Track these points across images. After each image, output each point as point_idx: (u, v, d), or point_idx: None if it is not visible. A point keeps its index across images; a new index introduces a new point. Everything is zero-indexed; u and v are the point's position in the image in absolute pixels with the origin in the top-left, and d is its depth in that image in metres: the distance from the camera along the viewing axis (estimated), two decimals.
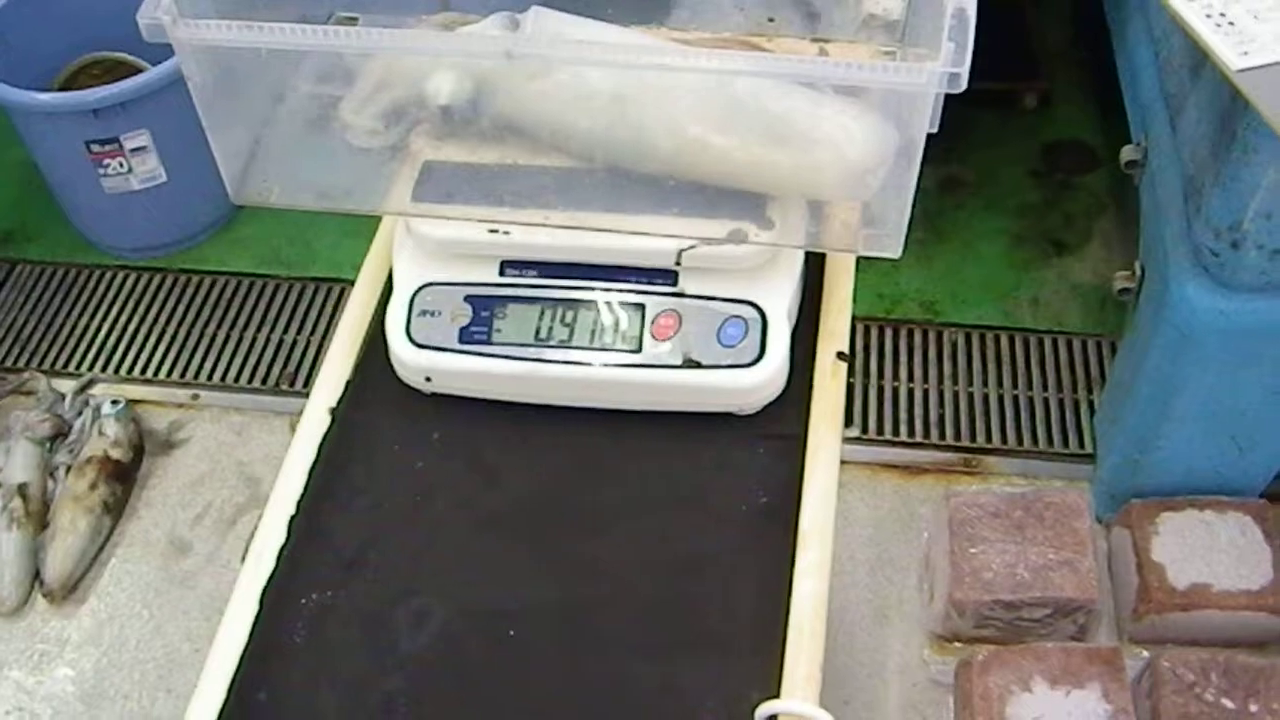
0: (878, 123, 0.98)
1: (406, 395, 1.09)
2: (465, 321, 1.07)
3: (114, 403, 2.12)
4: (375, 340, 1.11)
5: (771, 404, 1.07)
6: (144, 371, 2.28)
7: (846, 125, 0.99)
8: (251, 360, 2.28)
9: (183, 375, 2.27)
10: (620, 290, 1.07)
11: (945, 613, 1.81)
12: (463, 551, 1.01)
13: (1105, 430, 2.02)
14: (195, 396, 2.23)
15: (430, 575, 0.99)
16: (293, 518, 1.02)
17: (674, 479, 1.04)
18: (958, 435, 2.13)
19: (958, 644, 1.85)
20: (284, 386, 2.23)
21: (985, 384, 2.19)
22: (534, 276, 1.08)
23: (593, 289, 1.07)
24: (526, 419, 1.07)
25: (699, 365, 1.05)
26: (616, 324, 1.06)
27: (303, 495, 1.03)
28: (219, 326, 2.34)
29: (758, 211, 1.03)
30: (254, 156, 1.07)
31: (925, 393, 2.19)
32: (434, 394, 1.09)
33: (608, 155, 1.03)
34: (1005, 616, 1.79)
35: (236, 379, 2.25)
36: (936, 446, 2.12)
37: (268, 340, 2.31)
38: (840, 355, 1.11)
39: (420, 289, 1.09)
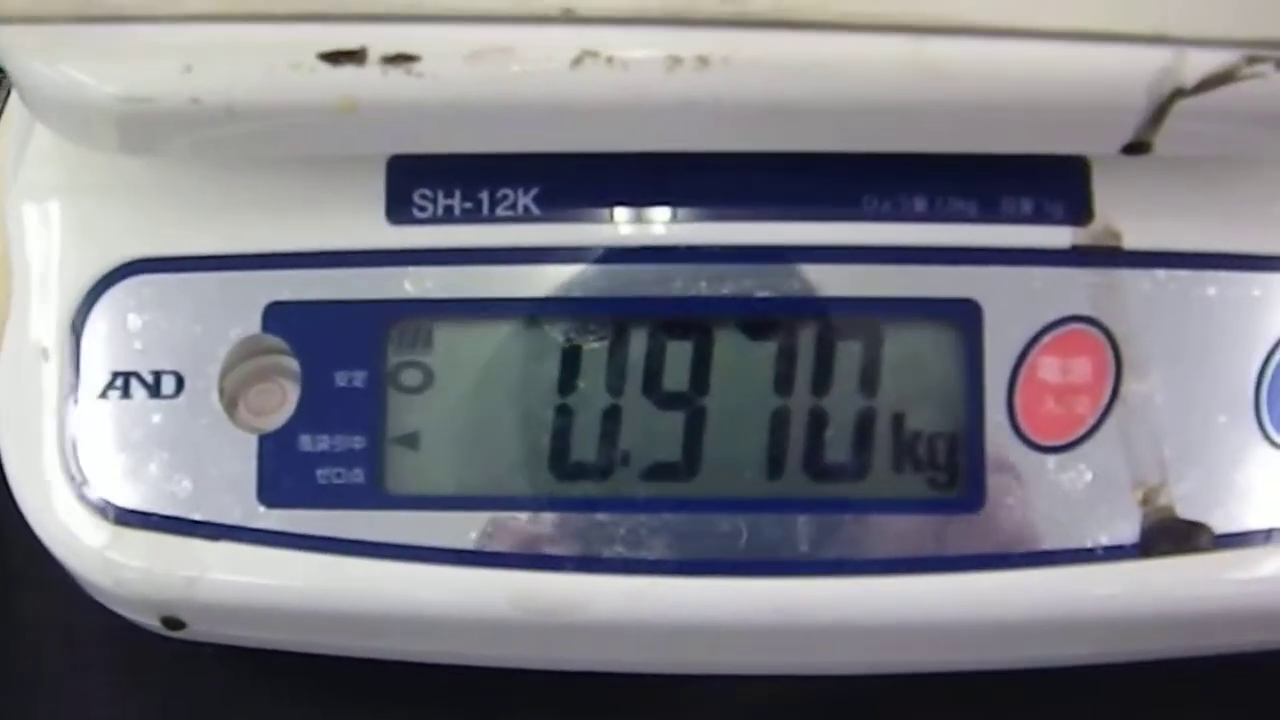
0: None
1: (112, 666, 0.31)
2: (279, 414, 0.28)
3: None
4: None
5: None
6: None
7: None
8: None
9: None
10: (857, 262, 0.28)
11: None
12: None
13: None
14: None
15: None
16: None
17: None
18: None
19: None
20: None
21: None
22: (532, 218, 0.28)
23: (776, 253, 0.28)
24: None
25: (1200, 537, 0.27)
26: (860, 390, 0.27)
27: None
28: None
29: None
30: None
31: None
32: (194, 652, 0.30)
33: None
34: None
35: None
36: None
37: None
38: None
39: (101, 285, 0.29)
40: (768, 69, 0.24)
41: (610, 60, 0.24)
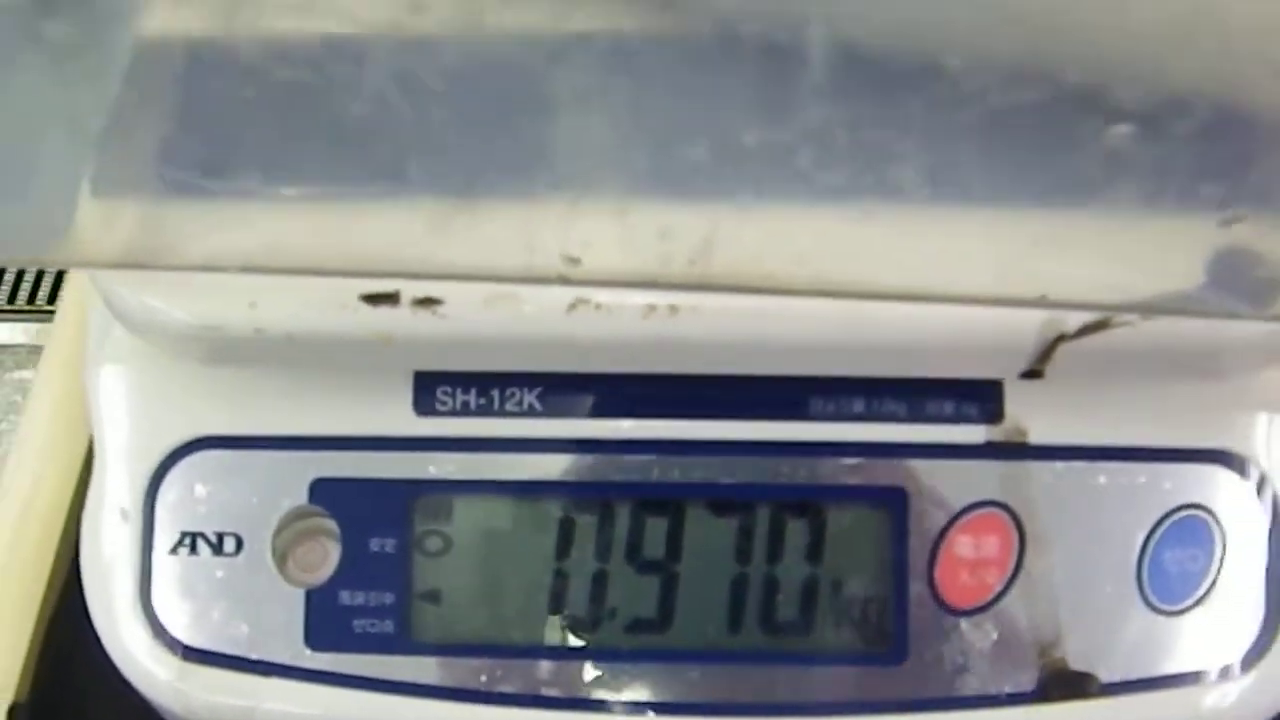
0: None
1: None
2: (322, 571, 0.33)
3: None
4: (70, 631, 0.37)
5: None
6: None
7: None
8: None
9: None
10: (819, 452, 0.33)
11: None
12: None
13: None
14: None
15: None
16: None
17: None
18: None
19: None
20: None
21: None
22: (536, 413, 0.34)
23: (734, 452, 0.33)
24: None
25: (1089, 685, 0.32)
26: (806, 561, 0.33)
27: None
28: None
29: None
30: None
31: None
32: None
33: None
34: None
35: None
36: None
37: None
38: None
39: (173, 458, 0.34)
40: (727, 317, 0.30)
41: (599, 306, 0.30)
